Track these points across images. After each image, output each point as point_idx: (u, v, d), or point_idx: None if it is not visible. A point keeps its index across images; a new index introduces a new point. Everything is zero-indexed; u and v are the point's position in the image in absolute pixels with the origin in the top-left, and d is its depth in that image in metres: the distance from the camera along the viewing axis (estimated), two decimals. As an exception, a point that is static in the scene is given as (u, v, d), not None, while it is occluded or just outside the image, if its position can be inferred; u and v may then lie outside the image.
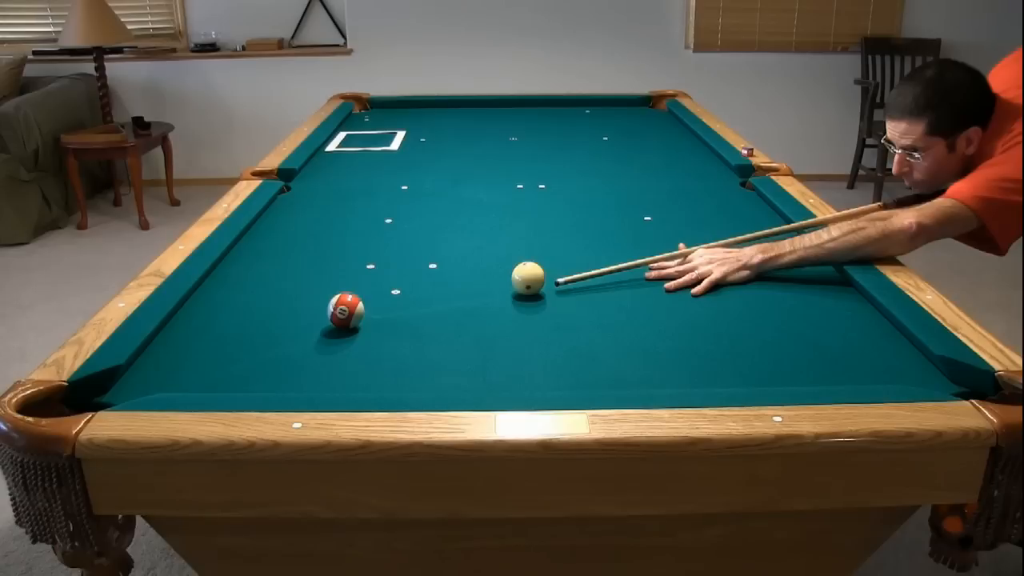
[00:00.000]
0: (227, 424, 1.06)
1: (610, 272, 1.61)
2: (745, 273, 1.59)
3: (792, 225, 1.82)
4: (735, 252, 1.63)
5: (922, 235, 1.57)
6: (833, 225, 1.63)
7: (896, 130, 1.70)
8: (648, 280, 1.62)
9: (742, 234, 1.75)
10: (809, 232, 1.67)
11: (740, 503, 1.09)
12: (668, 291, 1.57)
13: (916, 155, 1.69)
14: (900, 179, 1.79)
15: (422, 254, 1.76)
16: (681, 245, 1.71)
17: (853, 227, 1.59)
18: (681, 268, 1.62)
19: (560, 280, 1.57)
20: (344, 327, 1.39)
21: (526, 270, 1.53)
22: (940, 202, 1.61)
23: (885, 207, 1.79)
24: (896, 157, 1.73)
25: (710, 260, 1.61)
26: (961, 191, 1.60)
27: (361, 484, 1.07)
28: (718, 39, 5.08)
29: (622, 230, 1.92)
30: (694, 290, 1.56)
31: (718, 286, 1.57)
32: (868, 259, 1.59)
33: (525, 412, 1.09)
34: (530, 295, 1.53)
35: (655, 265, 1.65)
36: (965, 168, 1.68)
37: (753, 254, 1.60)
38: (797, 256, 1.59)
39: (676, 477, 1.07)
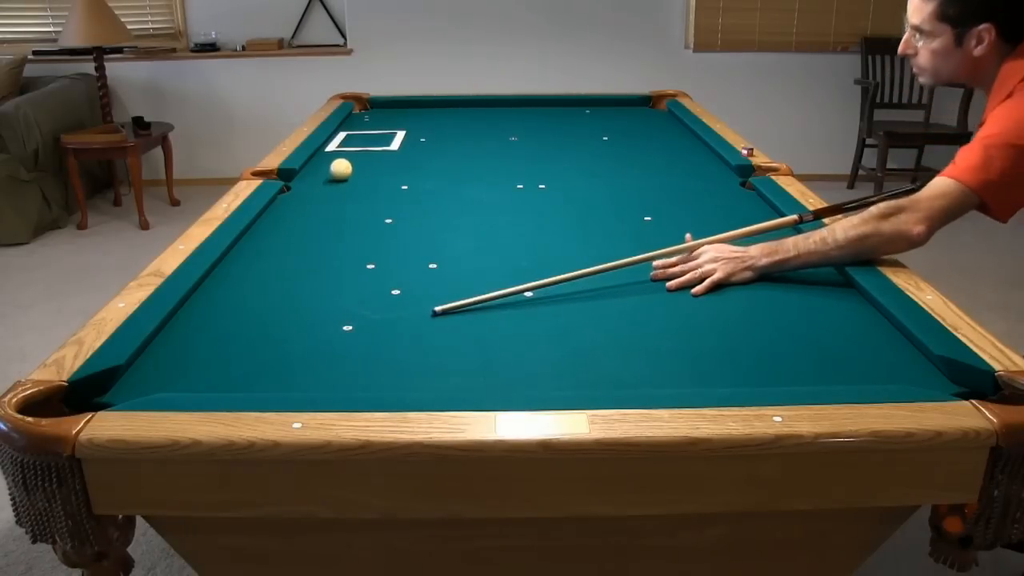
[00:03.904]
0: (227, 424, 1.06)
1: (495, 298, 1.52)
2: (748, 274, 1.58)
3: (794, 218, 1.79)
4: (741, 251, 1.61)
5: (930, 236, 1.54)
6: (839, 228, 1.58)
7: (911, 6, 1.64)
8: (653, 280, 1.62)
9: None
10: (816, 229, 1.63)
11: (740, 503, 1.09)
12: (670, 290, 1.57)
13: (922, 37, 1.63)
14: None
15: (422, 254, 1.76)
16: (688, 236, 1.70)
17: (860, 234, 1.55)
18: (685, 267, 1.61)
19: (438, 309, 1.48)
20: None
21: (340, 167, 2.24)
22: (942, 189, 1.54)
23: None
24: (905, 35, 1.68)
25: (715, 258, 1.60)
26: (960, 170, 1.53)
27: (361, 484, 1.07)
28: (718, 39, 5.08)
29: (622, 230, 1.92)
30: (694, 290, 1.55)
31: (720, 285, 1.56)
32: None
33: (525, 412, 1.09)
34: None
35: (658, 264, 1.64)
36: (974, 74, 1.61)
37: (759, 256, 1.59)
38: (802, 261, 1.58)
39: (676, 477, 1.07)
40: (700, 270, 1.59)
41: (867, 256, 1.58)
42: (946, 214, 1.54)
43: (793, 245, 1.59)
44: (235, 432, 1.04)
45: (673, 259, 1.65)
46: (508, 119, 3.10)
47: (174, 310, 1.46)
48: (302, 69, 5.14)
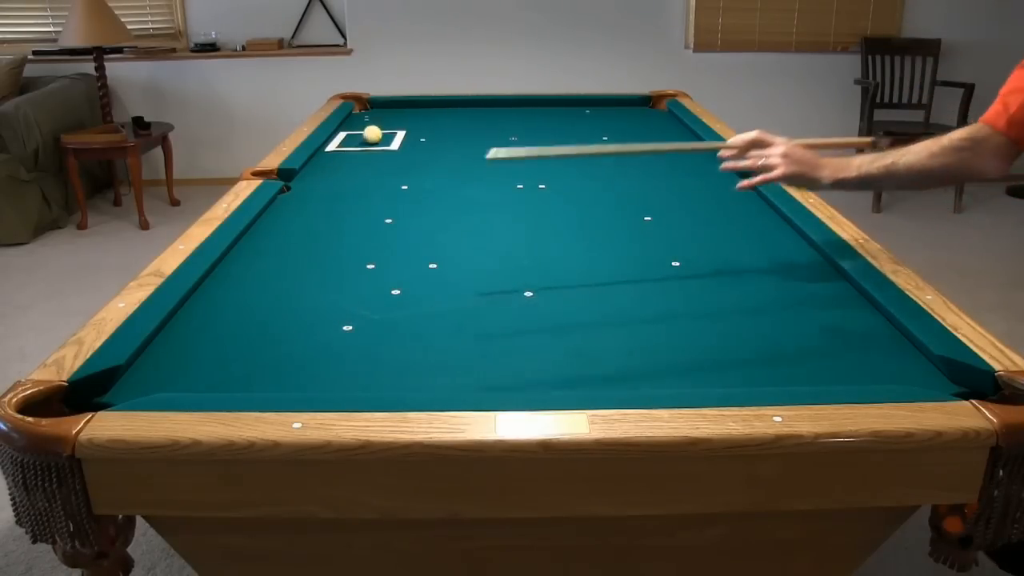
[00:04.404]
0: (227, 424, 1.06)
1: (554, 155, 1.54)
2: (805, 185, 1.54)
3: (868, 140, 1.75)
4: (811, 158, 1.54)
5: (1008, 169, 1.46)
6: (905, 157, 1.49)
7: None
8: (720, 158, 1.59)
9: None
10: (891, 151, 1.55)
11: (740, 503, 1.09)
12: (723, 171, 1.54)
13: None
14: None
15: (422, 254, 1.76)
16: (756, 132, 1.61)
17: (927, 168, 1.46)
18: (751, 153, 1.55)
19: (489, 155, 1.48)
20: None
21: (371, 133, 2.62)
22: (988, 136, 1.43)
23: (875, 146, 1.71)
24: None
25: (785, 154, 1.53)
26: (1002, 118, 1.43)
27: (361, 484, 1.07)
28: (718, 39, 5.08)
29: (622, 230, 1.92)
30: (743, 183, 1.52)
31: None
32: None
33: (525, 412, 1.09)
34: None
35: (726, 152, 1.60)
36: None
37: (825, 169, 1.52)
38: (864, 183, 1.53)
39: (676, 477, 1.07)
40: (764, 160, 1.53)
41: (934, 186, 1.51)
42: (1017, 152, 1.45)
43: (857, 167, 1.53)
44: (235, 432, 1.04)
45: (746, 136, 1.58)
46: (508, 119, 3.10)
47: (174, 310, 1.46)
48: (302, 69, 5.14)
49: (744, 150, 1.58)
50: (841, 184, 1.54)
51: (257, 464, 1.04)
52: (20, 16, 5.07)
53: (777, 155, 1.53)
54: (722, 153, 1.58)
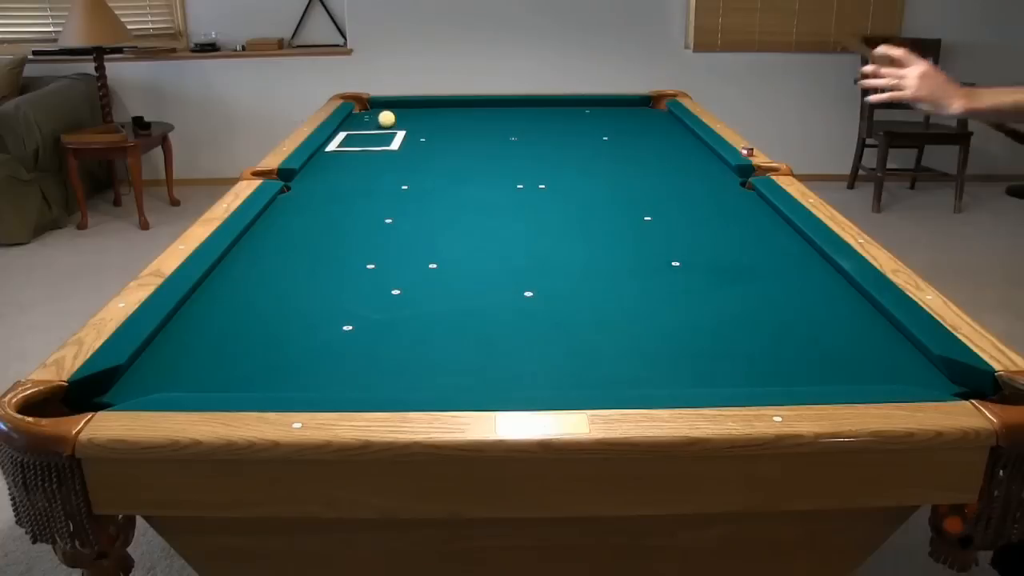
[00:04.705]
0: (227, 424, 1.06)
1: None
2: (934, 110, 1.56)
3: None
4: (948, 86, 1.56)
5: None
6: None
7: None
8: (862, 73, 1.61)
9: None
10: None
11: (740, 503, 1.09)
12: (859, 84, 1.57)
13: None
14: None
15: (422, 254, 1.76)
16: (903, 50, 1.62)
17: None
18: (890, 70, 1.57)
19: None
20: None
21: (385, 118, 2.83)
22: None
23: None
24: None
25: (923, 74, 1.55)
26: None
27: (361, 484, 1.07)
28: (718, 39, 5.08)
29: (622, 230, 1.92)
30: (873, 96, 1.54)
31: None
32: None
33: (525, 412, 1.09)
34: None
35: (868, 69, 1.62)
36: None
37: (957, 99, 1.54)
38: (996, 117, 1.56)
39: (676, 477, 1.07)
40: (899, 80, 1.56)
41: None
42: None
43: (990, 98, 1.55)
44: (235, 432, 1.04)
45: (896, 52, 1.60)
46: (508, 119, 3.10)
47: (174, 310, 1.46)
48: (302, 69, 5.14)
49: (888, 62, 1.61)
50: (972, 114, 1.56)
51: (257, 464, 1.04)
52: (20, 16, 5.07)
53: (914, 76, 1.56)
54: (864, 69, 1.61)
